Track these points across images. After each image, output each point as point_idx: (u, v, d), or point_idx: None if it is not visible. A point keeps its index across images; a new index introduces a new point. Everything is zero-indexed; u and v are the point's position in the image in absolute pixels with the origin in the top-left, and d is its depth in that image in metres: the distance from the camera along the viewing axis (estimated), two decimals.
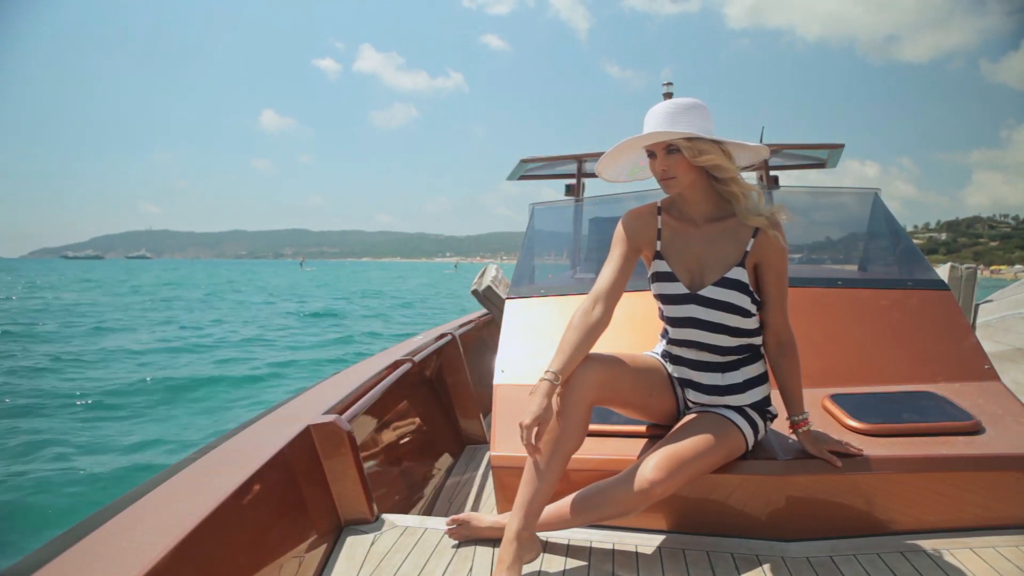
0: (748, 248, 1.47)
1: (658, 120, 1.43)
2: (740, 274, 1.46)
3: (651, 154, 1.45)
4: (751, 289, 1.48)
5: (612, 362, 1.48)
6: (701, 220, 1.52)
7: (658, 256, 1.55)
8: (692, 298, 1.49)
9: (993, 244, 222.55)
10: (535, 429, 1.31)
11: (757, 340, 1.54)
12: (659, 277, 1.54)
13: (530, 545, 1.39)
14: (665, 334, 1.62)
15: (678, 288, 1.51)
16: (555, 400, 1.39)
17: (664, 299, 1.54)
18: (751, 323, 1.50)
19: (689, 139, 1.39)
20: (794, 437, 1.58)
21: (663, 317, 1.59)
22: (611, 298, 1.49)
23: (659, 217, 1.57)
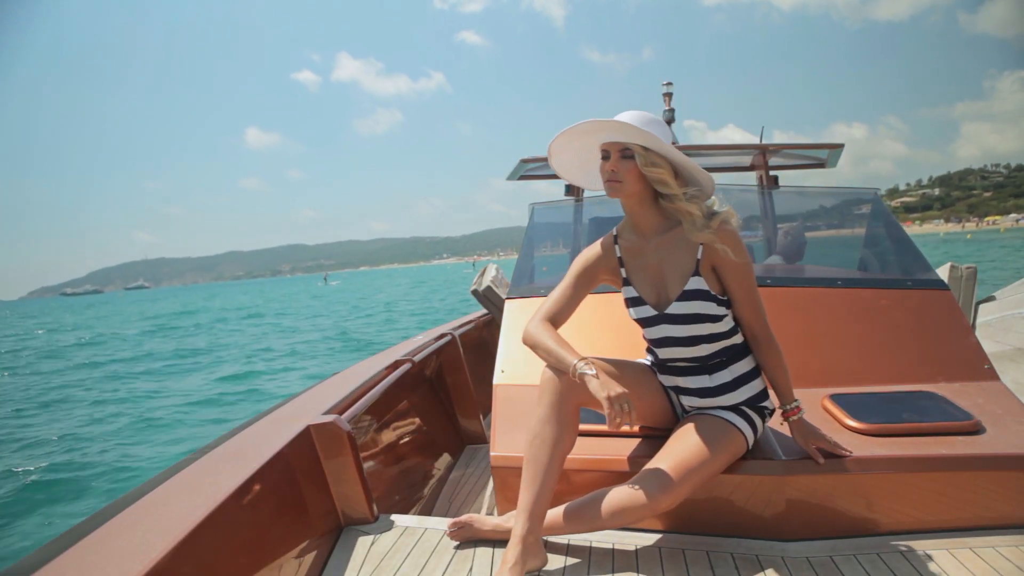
0: (699, 255, 1.49)
1: (623, 122, 1.45)
2: (699, 283, 1.48)
3: (605, 156, 1.48)
4: (714, 294, 1.49)
5: (600, 365, 1.49)
6: (651, 233, 1.55)
7: (626, 283, 1.58)
8: (662, 318, 1.52)
9: (987, 195, 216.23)
10: (625, 400, 1.33)
11: (738, 339, 1.55)
12: (630, 303, 1.58)
13: (535, 550, 1.39)
14: (651, 349, 1.65)
15: (647, 311, 1.54)
16: (547, 402, 1.43)
17: (640, 323, 1.58)
18: (724, 325, 1.52)
19: (646, 148, 1.43)
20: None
21: (645, 338, 1.62)
22: (558, 323, 1.54)
23: (616, 246, 1.60)
